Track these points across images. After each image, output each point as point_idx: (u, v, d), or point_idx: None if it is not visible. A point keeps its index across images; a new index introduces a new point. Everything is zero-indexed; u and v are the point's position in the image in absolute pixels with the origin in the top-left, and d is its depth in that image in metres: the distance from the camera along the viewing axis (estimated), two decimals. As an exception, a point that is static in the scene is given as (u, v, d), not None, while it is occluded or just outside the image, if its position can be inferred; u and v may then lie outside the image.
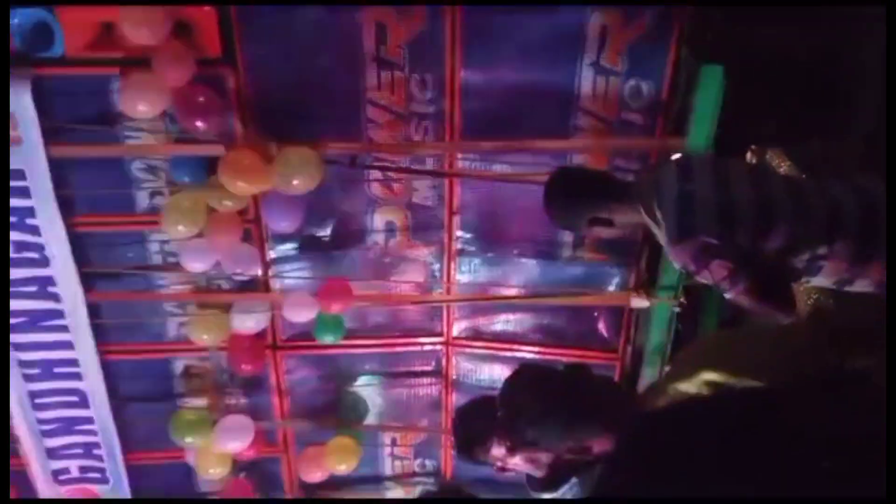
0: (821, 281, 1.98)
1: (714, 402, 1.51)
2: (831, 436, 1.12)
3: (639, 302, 2.93)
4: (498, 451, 1.96)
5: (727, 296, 1.93)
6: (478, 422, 2.06)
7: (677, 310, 2.86)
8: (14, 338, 2.96)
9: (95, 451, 3.29)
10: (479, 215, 2.95)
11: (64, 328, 2.97)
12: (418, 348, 3.29)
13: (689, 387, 1.68)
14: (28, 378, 3.05)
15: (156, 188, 2.81)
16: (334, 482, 3.49)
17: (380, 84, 2.64)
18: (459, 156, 2.82)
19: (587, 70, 2.59)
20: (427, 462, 3.62)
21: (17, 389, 3.06)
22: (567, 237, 2.95)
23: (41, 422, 3.16)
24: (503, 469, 1.97)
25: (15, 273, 2.82)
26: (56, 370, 3.06)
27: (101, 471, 3.34)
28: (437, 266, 3.06)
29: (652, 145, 2.70)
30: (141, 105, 2.53)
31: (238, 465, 3.37)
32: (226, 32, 2.49)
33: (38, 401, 3.11)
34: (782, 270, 1.90)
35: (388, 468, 3.63)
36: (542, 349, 3.17)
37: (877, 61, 2.19)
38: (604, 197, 2.19)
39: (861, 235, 1.87)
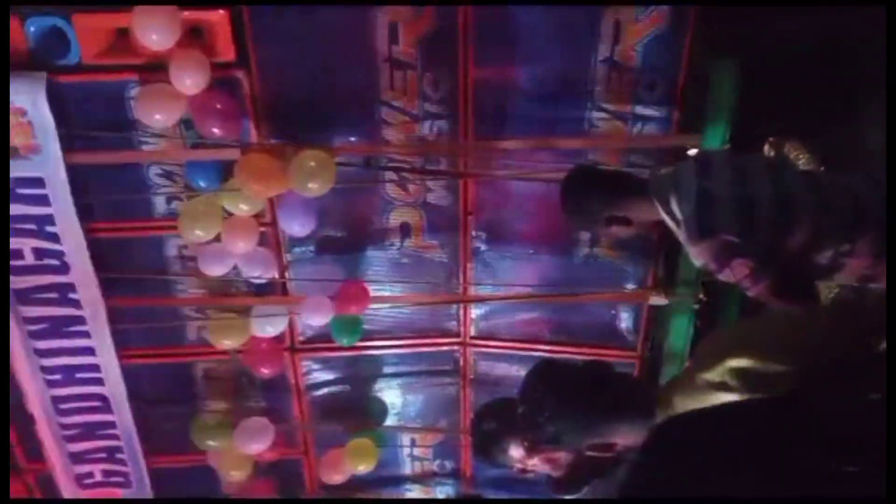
0: (843, 278, 1.95)
1: (743, 404, 1.49)
2: (861, 441, 1.10)
3: (657, 299, 2.91)
4: (517, 451, 1.94)
5: (749, 293, 1.91)
6: (497, 423, 2.04)
7: (696, 306, 2.84)
8: (36, 344, 2.99)
9: (118, 455, 3.32)
10: (494, 215, 2.94)
11: (85, 334, 2.99)
12: (435, 349, 3.28)
13: (715, 376, 1.65)
14: (50, 384, 3.08)
15: (173, 193, 2.83)
16: (355, 483, 3.49)
17: (392, 84, 2.64)
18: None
19: (601, 66, 2.57)
20: (446, 463, 3.62)
21: (41, 395, 3.09)
22: (583, 235, 2.93)
23: (64, 427, 3.19)
24: (523, 471, 1.96)
25: (36, 280, 2.85)
26: (78, 375, 3.08)
27: (125, 475, 3.37)
28: (453, 266, 3.05)
29: (667, 141, 2.67)
30: (157, 115, 2.53)
31: (259, 468, 3.38)
32: (239, 35, 2.49)
33: (60, 406, 3.14)
34: (805, 267, 1.88)
35: (407, 469, 3.63)
36: (560, 348, 3.15)
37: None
38: (621, 195, 2.17)
39: (884, 228, 1.84)
